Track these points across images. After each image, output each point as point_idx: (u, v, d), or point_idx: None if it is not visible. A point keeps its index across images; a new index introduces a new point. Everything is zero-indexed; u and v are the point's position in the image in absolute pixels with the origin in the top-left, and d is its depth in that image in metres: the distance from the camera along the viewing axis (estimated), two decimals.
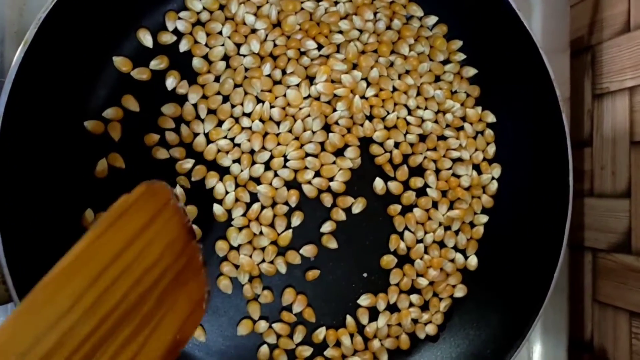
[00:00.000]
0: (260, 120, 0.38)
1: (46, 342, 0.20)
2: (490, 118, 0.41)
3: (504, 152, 0.41)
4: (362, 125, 0.39)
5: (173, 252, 0.24)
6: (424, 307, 0.40)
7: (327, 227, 0.38)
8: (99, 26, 0.35)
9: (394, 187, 0.39)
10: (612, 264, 0.41)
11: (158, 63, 0.37)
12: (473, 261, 0.40)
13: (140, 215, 0.24)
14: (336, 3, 0.39)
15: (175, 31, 0.38)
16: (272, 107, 0.38)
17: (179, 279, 0.24)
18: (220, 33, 0.38)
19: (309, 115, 0.38)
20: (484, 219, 0.40)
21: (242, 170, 0.38)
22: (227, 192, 0.37)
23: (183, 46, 0.38)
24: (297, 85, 0.38)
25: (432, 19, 0.40)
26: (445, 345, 0.40)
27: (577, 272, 0.45)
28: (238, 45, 0.38)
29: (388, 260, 0.39)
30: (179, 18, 0.38)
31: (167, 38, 0.37)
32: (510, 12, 0.37)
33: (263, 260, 0.38)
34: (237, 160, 0.38)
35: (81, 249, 0.22)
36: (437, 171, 0.40)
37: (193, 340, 0.37)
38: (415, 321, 0.39)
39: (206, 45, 0.38)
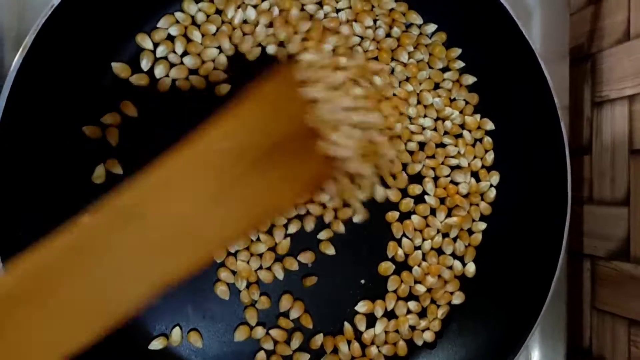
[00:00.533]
0: None
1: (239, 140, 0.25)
2: (489, 125, 0.41)
3: (502, 159, 0.40)
4: None
5: (301, 117, 0.28)
6: (422, 314, 0.40)
7: (324, 234, 0.38)
8: (97, 32, 0.35)
9: (392, 194, 0.39)
10: (610, 271, 0.41)
11: (160, 70, 0.37)
12: (471, 268, 0.40)
13: (278, 85, 0.28)
14: (338, 10, 0.39)
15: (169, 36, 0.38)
16: None
17: (307, 138, 0.28)
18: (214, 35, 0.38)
19: None
20: (482, 226, 0.40)
21: None
22: None
23: (178, 48, 0.38)
24: None
25: (432, 27, 0.40)
26: (443, 353, 0.40)
27: (575, 279, 0.45)
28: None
29: (386, 267, 0.39)
30: (177, 22, 0.38)
31: (164, 44, 0.38)
32: (509, 19, 0.37)
33: (260, 267, 0.38)
34: None
35: (249, 94, 0.27)
36: (436, 178, 0.40)
37: (190, 346, 0.37)
38: (412, 328, 0.39)
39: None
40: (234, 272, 0.38)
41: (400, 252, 0.39)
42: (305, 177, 0.28)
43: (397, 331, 0.39)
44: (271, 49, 0.38)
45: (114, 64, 0.37)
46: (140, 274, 0.23)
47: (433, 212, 0.40)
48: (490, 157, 0.41)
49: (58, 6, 0.32)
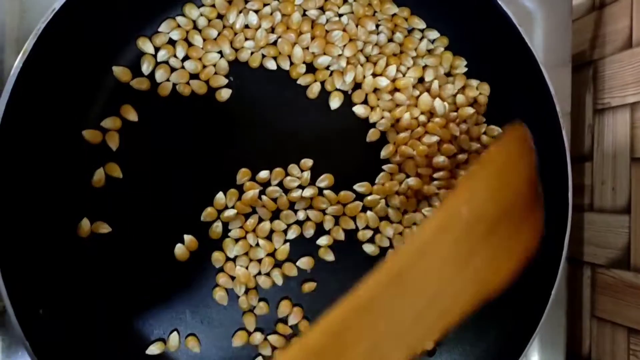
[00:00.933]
0: None
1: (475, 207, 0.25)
2: (497, 132, 0.40)
3: None
4: None
5: (529, 186, 0.27)
6: None
7: (323, 240, 0.38)
8: (98, 36, 0.35)
9: (394, 213, 0.39)
10: (610, 279, 0.41)
11: (160, 74, 0.37)
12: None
13: (518, 146, 0.28)
14: (340, 15, 0.39)
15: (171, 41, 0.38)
16: None
17: (529, 208, 0.27)
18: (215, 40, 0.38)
19: None
20: None
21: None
22: (226, 207, 0.38)
23: (180, 53, 0.38)
24: None
25: (434, 33, 0.40)
26: None
27: (575, 287, 0.45)
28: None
29: None
30: (178, 26, 0.38)
31: (166, 49, 0.37)
32: (511, 26, 0.36)
33: (259, 272, 0.38)
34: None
35: (491, 151, 0.28)
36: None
37: (188, 351, 0.37)
38: None
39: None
40: (232, 278, 0.37)
41: None
42: (522, 251, 0.27)
43: None
44: (271, 65, 0.38)
45: (114, 68, 0.37)
46: (401, 338, 0.23)
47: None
48: None
49: (59, 10, 0.32)
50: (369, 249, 0.39)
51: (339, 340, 0.22)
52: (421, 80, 0.40)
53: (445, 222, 0.24)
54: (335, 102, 0.39)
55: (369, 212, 0.39)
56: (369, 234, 0.39)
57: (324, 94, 0.39)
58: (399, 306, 0.23)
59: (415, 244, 0.24)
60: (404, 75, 0.39)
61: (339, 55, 0.39)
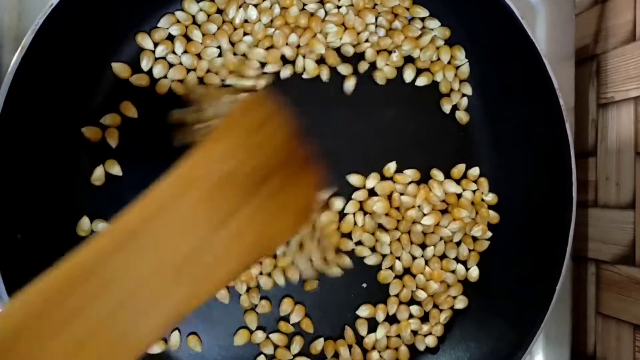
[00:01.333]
0: None
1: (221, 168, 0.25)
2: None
3: (507, 162, 0.40)
4: None
5: (288, 146, 0.28)
6: (424, 318, 0.39)
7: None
8: (97, 31, 0.35)
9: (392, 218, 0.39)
10: (615, 276, 0.41)
11: (159, 70, 0.37)
12: (474, 272, 0.40)
13: (259, 110, 0.28)
14: (339, 7, 0.39)
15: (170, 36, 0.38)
16: None
17: (297, 166, 0.28)
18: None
19: None
20: (488, 234, 0.40)
21: None
22: None
23: (178, 48, 0.37)
24: None
25: (435, 22, 0.40)
26: (445, 358, 0.39)
27: (580, 283, 0.44)
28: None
29: (385, 275, 0.39)
30: (178, 21, 0.37)
31: (164, 44, 0.37)
32: (514, 20, 0.36)
33: (261, 273, 0.37)
34: None
35: (230, 117, 0.27)
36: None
37: (189, 350, 0.37)
38: (414, 333, 0.39)
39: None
40: None
41: (398, 265, 0.39)
42: (298, 207, 0.27)
43: (398, 336, 0.39)
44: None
45: (114, 64, 0.36)
46: (151, 304, 0.22)
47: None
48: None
49: (57, 5, 0.32)
50: (370, 260, 0.39)
51: (55, 309, 0.20)
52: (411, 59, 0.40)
53: (184, 182, 0.24)
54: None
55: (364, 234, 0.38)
56: (366, 250, 0.39)
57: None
58: (138, 270, 0.22)
59: (146, 207, 0.23)
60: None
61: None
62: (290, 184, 0.27)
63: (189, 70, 0.37)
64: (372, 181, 0.38)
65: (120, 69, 0.36)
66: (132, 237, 0.22)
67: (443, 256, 0.39)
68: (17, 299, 0.20)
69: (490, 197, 0.40)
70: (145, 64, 0.37)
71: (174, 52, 0.37)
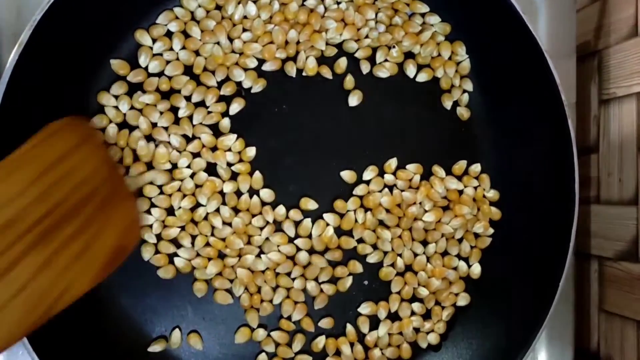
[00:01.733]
0: None
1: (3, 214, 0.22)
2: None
3: (508, 158, 0.40)
4: None
5: (99, 177, 0.26)
6: (426, 315, 0.39)
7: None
8: (95, 27, 0.35)
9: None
10: (619, 272, 0.41)
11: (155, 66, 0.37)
12: (476, 269, 0.39)
13: (67, 139, 0.26)
14: (338, 3, 0.39)
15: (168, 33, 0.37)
16: None
17: (109, 198, 0.26)
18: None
19: None
20: (490, 231, 0.39)
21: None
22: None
23: (176, 45, 0.37)
24: None
25: (435, 18, 0.39)
26: (448, 355, 0.39)
27: (583, 280, 0.44)
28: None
29: (387, 272, 0.38)
30: (176, 18, 0.37)
31: (162, 41, 0.37)
32: (515, 16, 0.36)
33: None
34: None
35: (23, 150, 0.25)
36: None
37: (190, 348, 0.37)
38: (417, 330, 0.39)
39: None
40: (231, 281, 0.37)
41: (399, 262, 0.39)
42: (107, 248, 0.25)
43: (400, 333, 0.38)
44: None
45: (112, 61, 0.36)
46: None
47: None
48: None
49: (55, 1, 0.32)
50: (371, 258, 0.38)
51: None
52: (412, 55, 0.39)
53: None
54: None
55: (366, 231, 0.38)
56: (368, 248, 0.38)
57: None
58: None
59: None
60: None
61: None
62: (93, 226, 0.24)
63: (186, 68, 0.37)
64: (370, 173, 0.38)
65: (118, 65, 0.36)
66: None
67: (445, 253, 0.39)
68: None
69: (492, 194, 0.40)
70: (143, 60, 0.37)
71: (171, 49, 0.37)
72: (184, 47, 0.37)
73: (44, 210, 0.23)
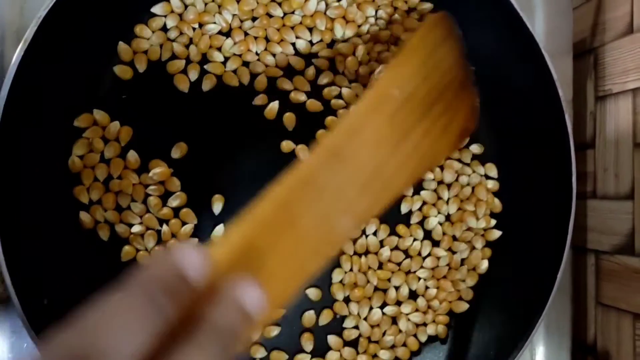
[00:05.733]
0: None
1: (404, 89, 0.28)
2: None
3: (506, 154, 0.40)
4: None
5: (457, 66, 0.31)
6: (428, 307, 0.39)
7: None
8: (99, 24, 0.35)
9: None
10: (615, 266, 0.41)
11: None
12: (483, 265, 0.40)
13: (440, 31, 0.32)
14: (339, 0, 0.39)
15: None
16: None
17: (462, 86, 0.31)
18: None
19: None
20: (492, 222, 0.40)
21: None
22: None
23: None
24: None
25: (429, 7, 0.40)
26: (447, 347, 0.39)
27: (580, 274, 0.45)
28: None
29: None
30: (172, 11, 0.37)
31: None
32: (513, 13, 0.36)
33: None
34: None
35: (416, 38, 0.31)
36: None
37: None
38: (418, 325, 0.39)
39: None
40: None
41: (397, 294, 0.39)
42: (457, 128, 0.31)
43: (400, 331, 0.39)
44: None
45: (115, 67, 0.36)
46: (348, 208, 0.26)
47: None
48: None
49: None
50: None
51: (287, 211, 0.24)
52: None
53: (376, 103, 0.27)
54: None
55: None
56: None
57: None
58: (341, 179, 0.25)
59: (349, 124, 0.27)
60: None
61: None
62: (452, 107, 0.30)
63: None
64: None
65: (120, 69, 0.36)
66: (337, 152, 0.26)
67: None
68: (254, 210, 0.23)
69: (492, 185, 0.40)
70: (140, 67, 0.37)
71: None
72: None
73: (427, 89, 0.29)
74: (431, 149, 0.29)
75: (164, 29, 0.37)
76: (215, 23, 0.37)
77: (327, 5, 0.39)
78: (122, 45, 0.36)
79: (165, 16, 0.37)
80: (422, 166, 0.29)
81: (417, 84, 0.28)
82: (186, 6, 0.37)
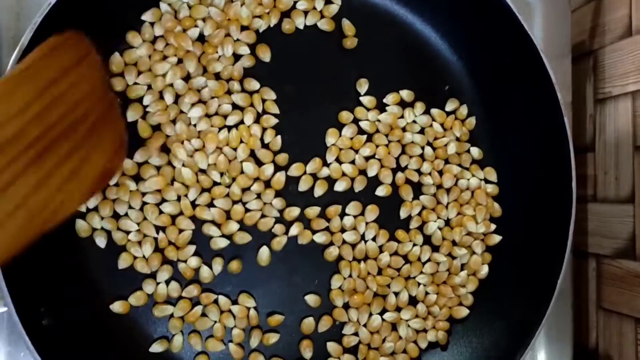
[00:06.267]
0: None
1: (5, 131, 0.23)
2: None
3: (505, 158, 0.40)
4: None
5: (94, 96, 0.26)
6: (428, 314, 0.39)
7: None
8: (95, 30, 0.35)
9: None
10: (616, 270, 0.41)
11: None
12: (483, 270, 0.39)
13: (67, 55, 0.26)
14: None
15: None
16: None
17: (101, 120, 0.26)
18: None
19: None
20: (492, 227, 0.40)
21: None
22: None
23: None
24: None
25: None
26: (447, 353, 0.39)
27: (581, 278, 0.44)
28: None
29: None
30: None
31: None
32: (511, 16, 0.36)
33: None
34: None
35: (24, 66, 0.25)
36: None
37: (190, 348, 0.37)
38: (418, 331, 0.39)
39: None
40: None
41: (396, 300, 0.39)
42: (96, 170, 0.26)
43: (399, 336, 0.39)
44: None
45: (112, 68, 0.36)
46: None
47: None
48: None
49: (55, 5, 0.32)
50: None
51: None
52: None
53: None
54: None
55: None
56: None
57: None
58: None
59: None
60: None
61: None
62: (84, 147, 0.25)
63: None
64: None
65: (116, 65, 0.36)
66: None
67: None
68: None
69: (491, 188, 0.40)
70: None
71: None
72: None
73: (43, 128, 0.24)
74: (51, 201, 0.24)
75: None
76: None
77: None
78: (116, 57, 0.36)
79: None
80: (39, 223, 0.24)
81: (26, 121, 0.23)
82: None
